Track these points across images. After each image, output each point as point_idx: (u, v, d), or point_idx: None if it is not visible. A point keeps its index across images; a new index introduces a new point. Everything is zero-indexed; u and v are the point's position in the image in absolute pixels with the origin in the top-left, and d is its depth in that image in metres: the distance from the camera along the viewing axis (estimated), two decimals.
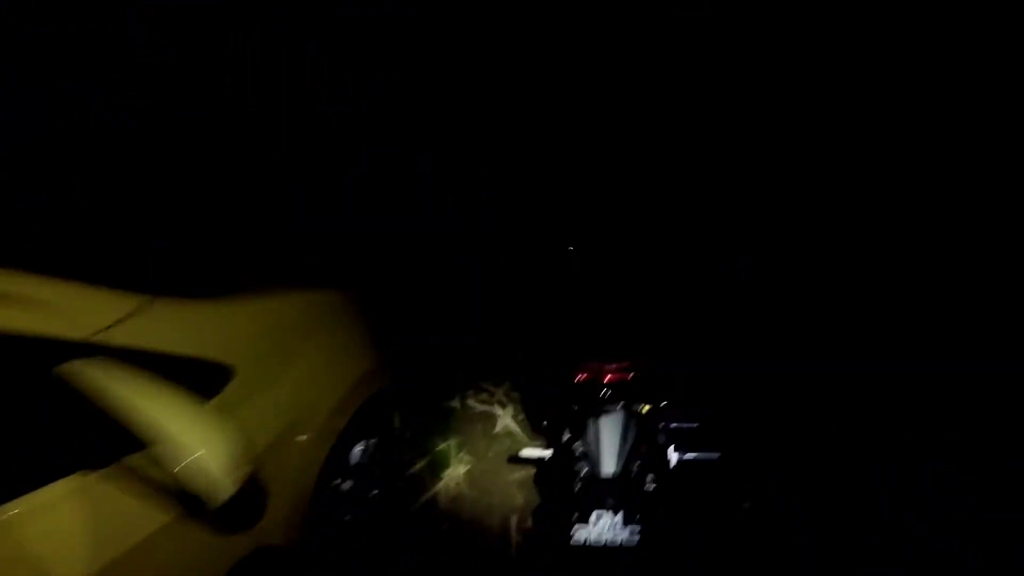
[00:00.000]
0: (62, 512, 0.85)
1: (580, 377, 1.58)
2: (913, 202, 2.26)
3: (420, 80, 2.41)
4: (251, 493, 0.96)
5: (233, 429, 0.93)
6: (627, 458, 1.46)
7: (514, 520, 1.76)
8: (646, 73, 2.38)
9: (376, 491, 1.49)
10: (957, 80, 2.25)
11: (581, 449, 1.49)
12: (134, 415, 0.87)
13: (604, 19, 2.34)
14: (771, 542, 1.65)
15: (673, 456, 1.57)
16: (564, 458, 1.53)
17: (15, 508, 0.81)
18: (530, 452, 1.61)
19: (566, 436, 1.55)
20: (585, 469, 1.46)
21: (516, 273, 2.35)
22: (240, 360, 1.13)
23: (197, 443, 0.87)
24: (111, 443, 0.90)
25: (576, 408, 1.56)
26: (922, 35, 2.23)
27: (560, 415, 1.60)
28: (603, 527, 1.39)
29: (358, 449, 1.41)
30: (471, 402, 2.11)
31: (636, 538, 1.39)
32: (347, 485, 1.37)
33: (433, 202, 2.41)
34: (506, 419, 2.06)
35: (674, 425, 1.61)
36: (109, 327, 1.02)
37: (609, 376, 1.57)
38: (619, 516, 1.40)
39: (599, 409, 1.52)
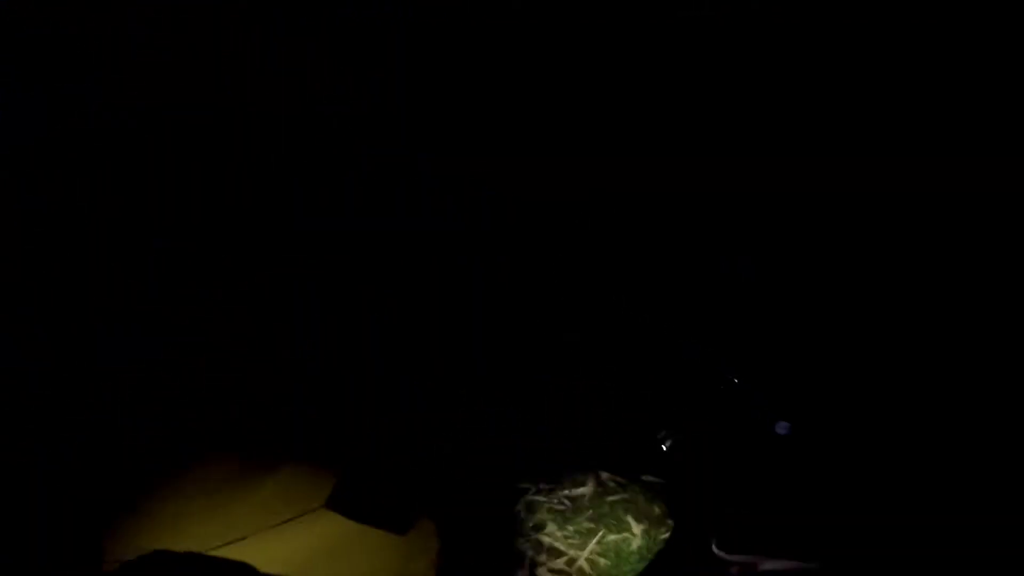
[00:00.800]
0: None
1: None
2: (913, 202, 2.26)
3: (420, 80, 2.41)
4: None
5: None
6: None
7: None
8: (646, 73, 2.38)
9: None
10: (957, 80, 2.25)
11: None
12: None
13: (604, 19, 2.33)
14: None
15: None
16: None
17: None
18: None
19: None
20: None
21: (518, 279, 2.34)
22: None
23: None
24: None
25: None
26: (922, 35, 2.23)
27: None
28: None
29: None
30: (539, 541, 1.74)
31: None
32: None
33: (433, 202, 2.41)
34: (582, 561, 1.67)
35: None
36: None
37: None
38: None
39: None
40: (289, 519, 1.05)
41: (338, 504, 1.16)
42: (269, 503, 1.07)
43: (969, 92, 2.26)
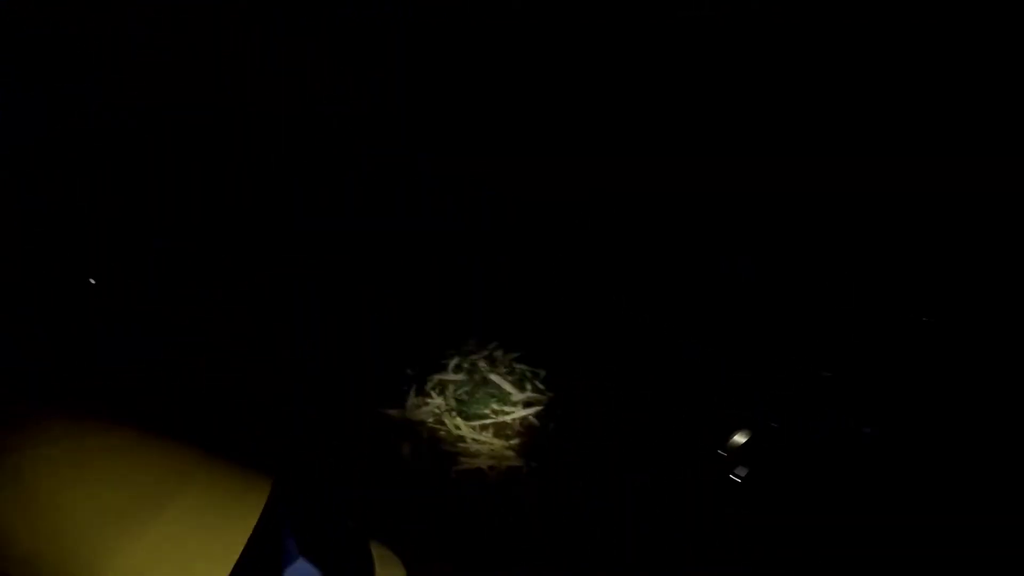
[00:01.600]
0: None
1: None
2: (913, 202, 2.26)
3: (420, 80, 2.41)
4: None
5: None
6: None
7: None
8: (646, 73, 2.38)
9: None
10: (957, 80, 2.25)
11: None
12: None
13: (604, 19, 2.33)
14: None
15: None
16: None
17: None
18: None
19: None
20: None
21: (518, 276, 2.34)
22: None
23: None
24: None
25: None
26: (922, 35, 2.23)
27: None
28: None
29: None
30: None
31: None
32: None
33: (433, 202, 2.41)
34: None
35: None
36: None
37: None
38: None
39: None
40: None
41: None
42: None
43: (969, 92, 2.26)
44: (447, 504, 1.85)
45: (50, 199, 2.03)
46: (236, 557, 0.83)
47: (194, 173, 2.22)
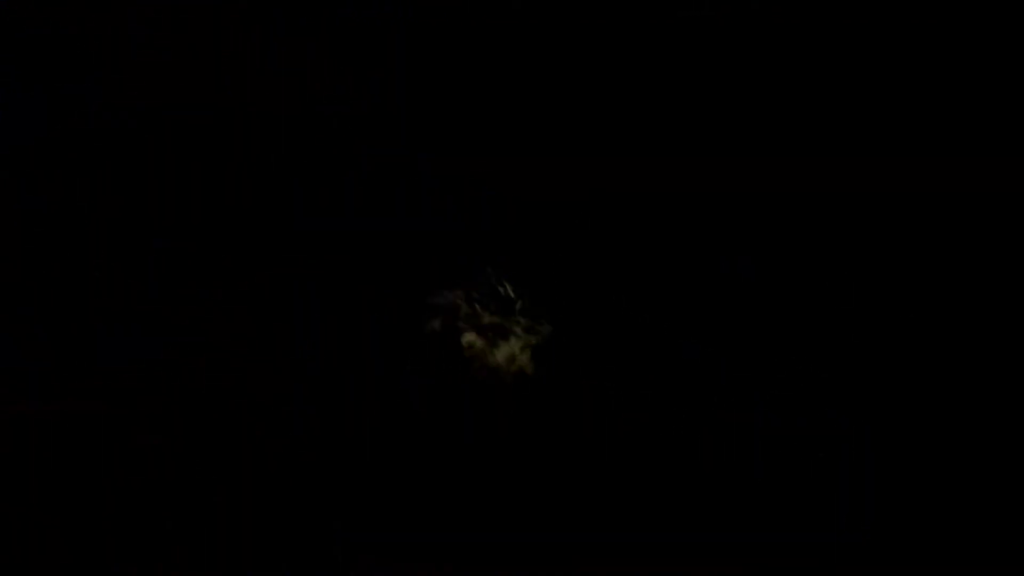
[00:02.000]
0: None
1: None
2: (913, 202, 2.26)
3: (420, 80, 2.40)
4: None
5: None
6: None
7: None
8: (646, 73, 2.38)
9: None
10: (957, 80, 2.25)
11: None
12: None
13: (604, 19, 2.34)
14: None
15: None
16: None
17: None
18: None
19: None
20: None
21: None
22: None
23: None
24: None
25: None
26: (922, 35, 2.23)
27: None
28: None
29: None
30: None
31: None
32: None
33: (433, 202, 2.41)
34: None
35: None
36: None
37: None
38: None
39: None
40: None
41: None
42: None
43: (969, 92, 2.26)
44: (446, 502, 1.85)
45: (50, 199, 2.04)
46: None
47: (194, 173, 2.22)
